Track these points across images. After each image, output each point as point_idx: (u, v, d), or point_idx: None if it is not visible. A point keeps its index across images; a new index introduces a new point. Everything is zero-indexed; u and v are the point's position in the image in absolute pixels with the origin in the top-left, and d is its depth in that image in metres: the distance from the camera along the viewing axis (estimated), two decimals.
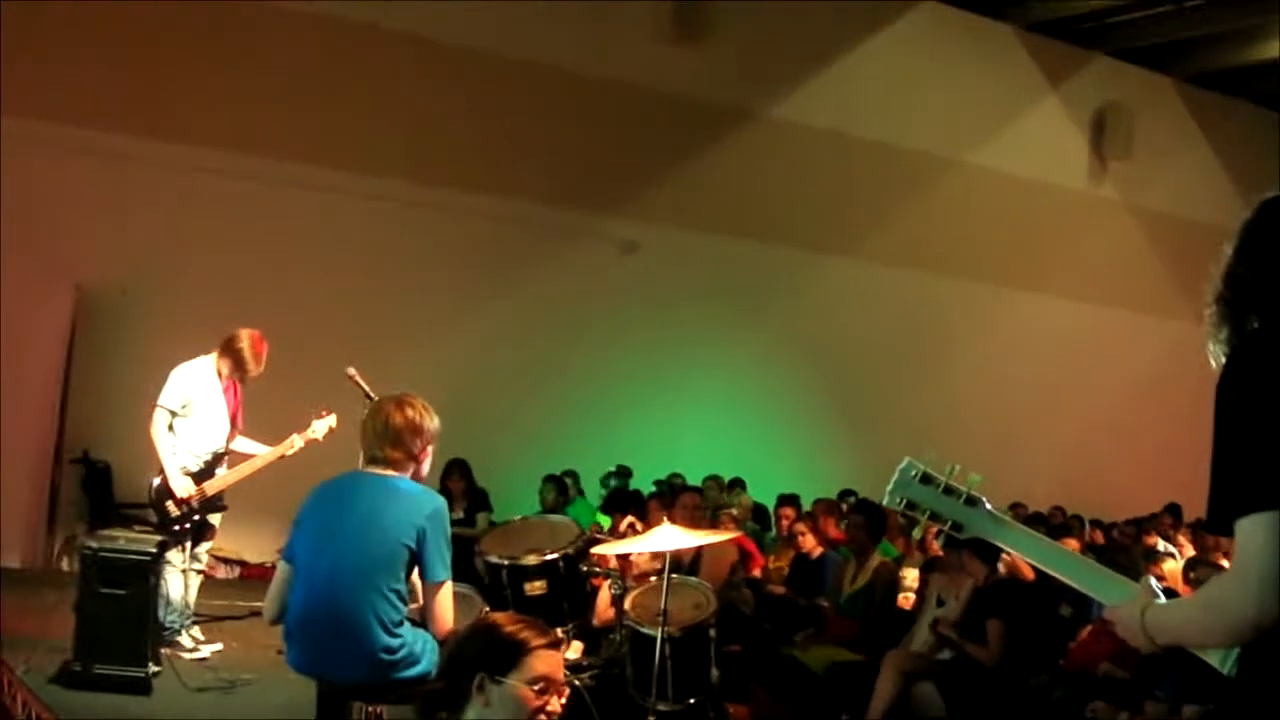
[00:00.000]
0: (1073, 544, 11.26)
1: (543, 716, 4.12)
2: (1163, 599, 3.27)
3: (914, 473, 3.68)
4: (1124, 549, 12.90)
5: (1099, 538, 14.82)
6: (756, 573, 12.77)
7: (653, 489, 15.76)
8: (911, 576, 11.27)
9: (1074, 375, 21.74)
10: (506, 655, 4.12)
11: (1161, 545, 13.39)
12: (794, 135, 19.29)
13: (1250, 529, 2.87)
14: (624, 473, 16.81)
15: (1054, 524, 13.91)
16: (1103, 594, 3.46)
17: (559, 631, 7.62)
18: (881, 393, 20.14)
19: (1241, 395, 2.99)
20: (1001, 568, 10.00)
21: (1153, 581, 3.33)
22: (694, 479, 16.44)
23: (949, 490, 3.65)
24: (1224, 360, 3.11)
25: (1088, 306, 21.50)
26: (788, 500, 15.10)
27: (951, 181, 20.89)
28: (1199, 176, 22.15)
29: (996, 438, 20.66)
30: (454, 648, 4.46)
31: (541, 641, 4.18)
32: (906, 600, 11.04)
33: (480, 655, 4.17)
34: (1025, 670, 9.21)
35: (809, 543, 12.59)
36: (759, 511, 16.29)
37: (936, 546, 11.31)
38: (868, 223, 20.53)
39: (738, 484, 17.97)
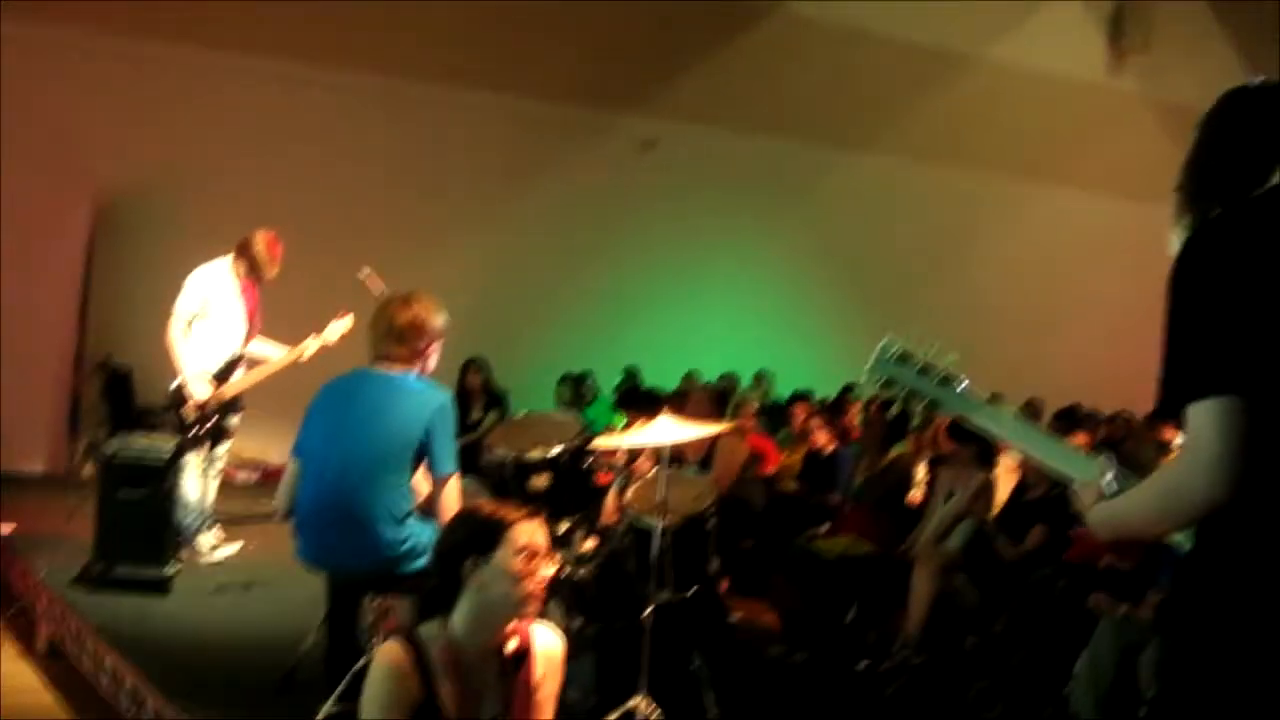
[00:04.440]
0: (1080, 438, 11.31)
1: (534, 582, 4.25)
2: (1113, 486, 3.35)
3: (892, 351, 3.74)
4: (1134, 440, 12.86)
5: (1115, 432, 14.77)
6: (770, 469, 12.82)
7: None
8: (921, 472, 11.33)
9: (1097, 269, 21.63)
10: (489, 535, 4.25)
11: (1179, 439, 13.28)
12: (813, 30, 19.12)
13: (1202, 413, 2.89)
14: (632, 374, 16.84)
15: (1065, 418, 13.83)
16: (1072, 471, 3.52)
17: (564, 524, 7.79)
18: (903, 289, 20.06)
19: (1195, 280, 3.02)
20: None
21: (1103, 477, 3.39)
22: (711, 377, 16.49)
23: (925, 369, 3.70)
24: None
25: (1109, 199, 21.34)
26: (800, 397, 15.10)
27: (971, 76, 20.71)
28: (1218, 68, 21.83)
29: (1021, 333, 20.71)
30: (440, 542, 4.59)
31: (519, 515, 4.32)
32: (917, 495, 11.10)
33: (465, 541, 4.32)
34: (1030, 563, 9.28)
35: (822, 439, 12.66)
36: (773, 409, 16.30)
37: (945, 442, 11.34)
38: (888, 118, 20.40)
39: (763, 378, 18.07)
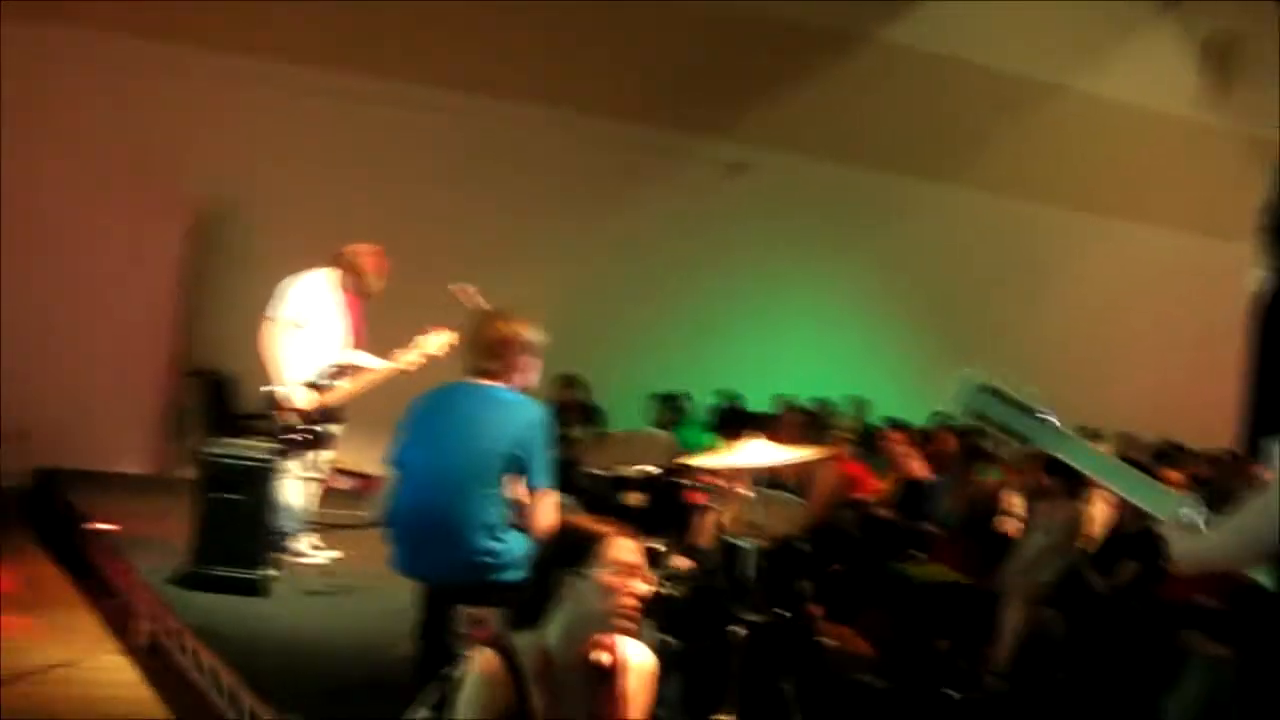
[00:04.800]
0: (1175, 475, 11.25)
1: (627, 598, 4.30)
2: (1198, 524, 3.37)
3: (978, 385, 3.76)
4: (1226, 477, 12.79)
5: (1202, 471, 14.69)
6: (865, 495, 12.81)
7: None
8: (1016, 503, 11.28)
9: (1177, 305, 21.52)
10: (584, 549, 4.31)
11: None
12: (900, 59, 19.13)
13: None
14: (732, 396, 16.88)
15: (1160, 454, 13.81)
16: (1157, 507, 3.54)
17: (656, 542, 7.83)
18: (983, 320, 19.99)
19: (1276, 320, 3.06)
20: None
21: (1183, 510, 3.41)
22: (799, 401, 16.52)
23: (1017, 405, 3.73)
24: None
25: (1191, 236, 21.20)
26: (895, 424, 15.08)
27: (1058, 108, 20.62)
28: None
29: (1098, 367, 20.58)
30: (537, 555, 4.69)
31: (614, 530, 4.38)
32: (1009, 525, 11.05)
33: (561, 554, 4.39)
34: (1122, 598, 9.26)
35: (916, 466, 12.65)
36: (866, 436, 16.27)
37: (1039, 475, 11.30)
38: (975, 149, 20.36)
39: (860, 404, 18.09)
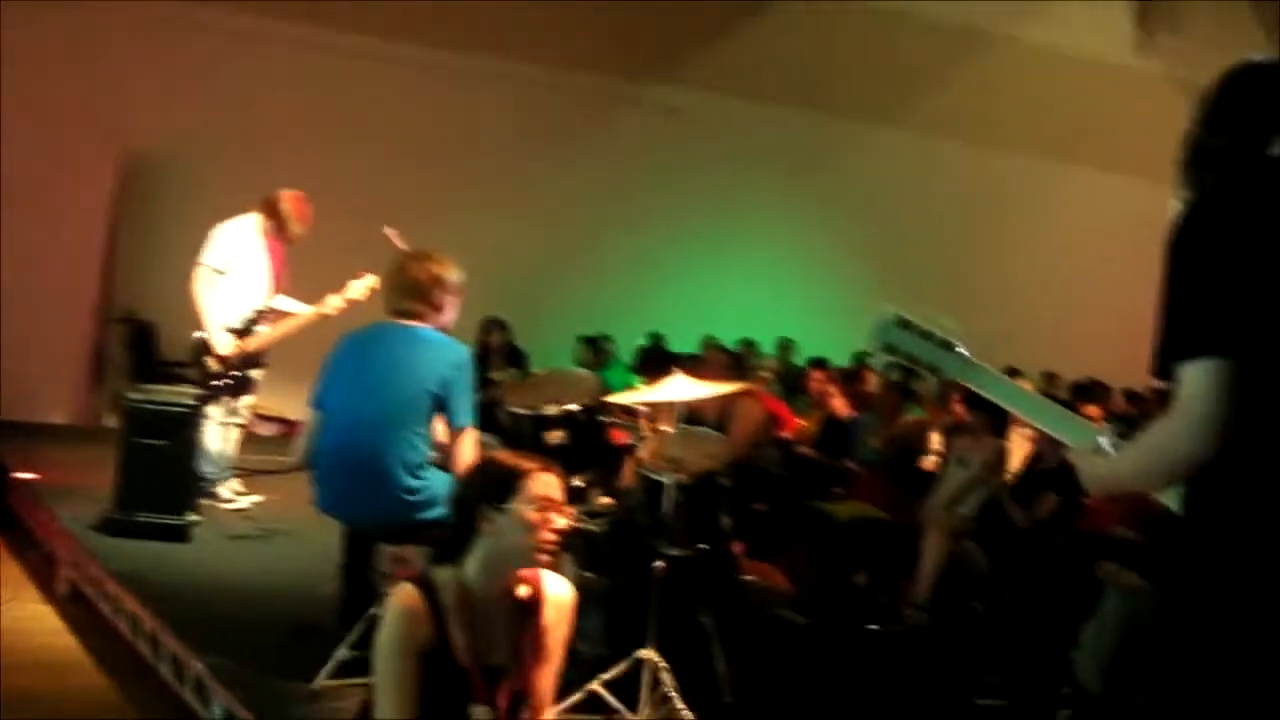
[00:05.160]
0: (1093, 410, 11.39)
1: (548, 532, 4.34)
2: (1110, 452, 3.43)
3: (893, 318, 3.80)
4: (1147, 413, 12.92)
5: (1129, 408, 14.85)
6: (787, 434, 12.88)
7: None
8: (936, 440, 11.38)
9: (1119, 249, 21.65)
10: (505, 484, 4.34)
11: None
12: (841, 5, 19.20)
13: (1191, 374, 2.97)
14: (656, 338, 16.95)
15: (1081, 390, 13.94)
16: (1067, 436, 3.60)
17: (578, 479, 7.87)
18: (929, 264, 20.04)
19: (1190, 247, 3.11)
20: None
21: (1101, 438, 3.46)
22: (732, 344, 16.54)
23: (926, 334, 3.76)
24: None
25: (1132, 180, 21.33)
26: (818, 363, 15.13)
27: (997, 55, 20.64)
28: (1246, 49, 21.74)
29: (1044, 309, 20.77)
30: (457, 490, 4.72)
31: (536, 466, 4.41)
32: (930, 462, 11.15)
33: (482, 490, 4.41)
34: (1040, 531, 9.36)
35: (838, 405, 12.72)
36: (791, 375, 16.35)
37: (960, 410, 11.39)
38: (914, 95, 20.39)
39: (785, 345, 18.18)
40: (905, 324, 3.78)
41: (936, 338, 3.76)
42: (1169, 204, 3.34)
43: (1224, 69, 3.49)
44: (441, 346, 6.58)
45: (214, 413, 10.39)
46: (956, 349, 3.74)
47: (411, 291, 6.65)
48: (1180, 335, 3.05)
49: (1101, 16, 21.43)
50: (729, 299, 18.95)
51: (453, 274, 6.75)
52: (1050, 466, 9.55)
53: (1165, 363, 3.08)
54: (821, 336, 17.91)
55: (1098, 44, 21.16)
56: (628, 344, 16.89)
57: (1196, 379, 2.98)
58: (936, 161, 20.78)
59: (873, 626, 9.36)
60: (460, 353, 6.60)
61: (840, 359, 16.43)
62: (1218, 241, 3.06)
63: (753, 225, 19.61)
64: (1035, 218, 21.85)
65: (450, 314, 6.82)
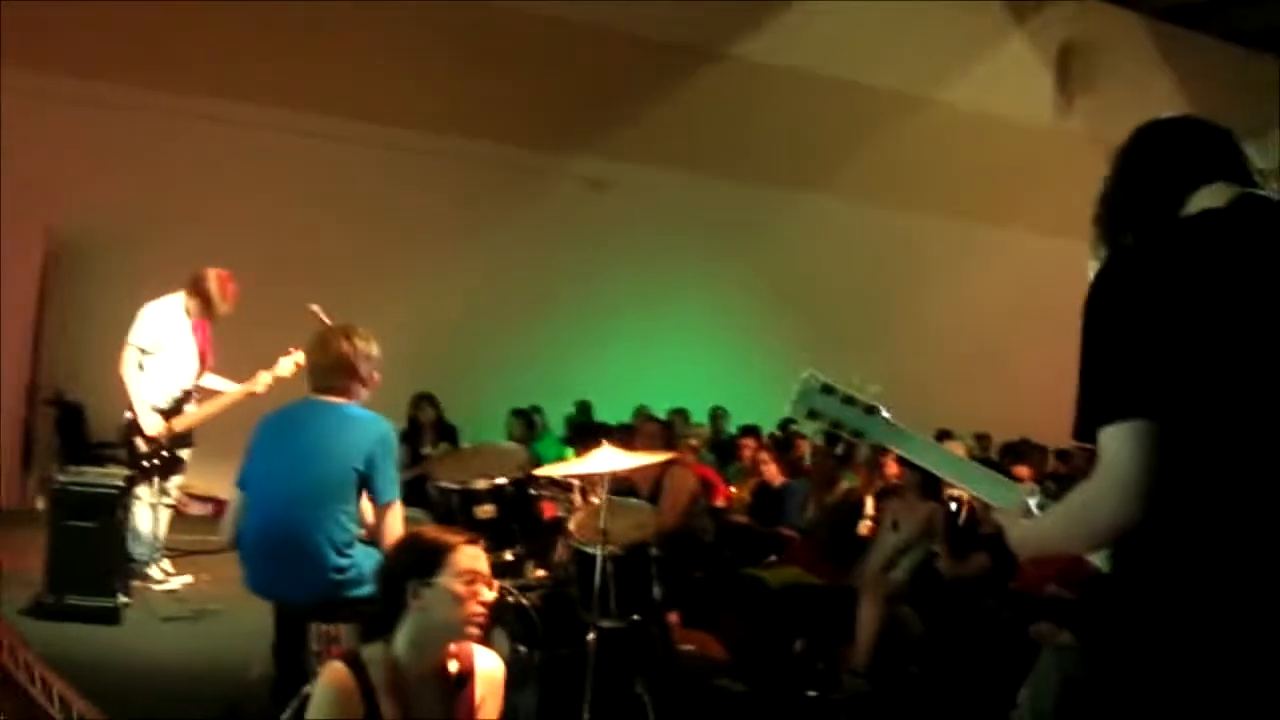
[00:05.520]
0: (1024, 470, 11.43)
1: (476, 605, 4.33)
2: (1037, 513, 3.43)
3: (816, 384, 3.81)
4: (1078, 475, 13.00)
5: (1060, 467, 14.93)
6: (719, 502, 12.90)
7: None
8: (869, 505, 11.40)
9: (1045, 309, 21.68)
10: (431, 558, 4.34)
11: None
12: (760, 74, 19.26)
13: (1113, 436, 2.97)
14: (584, 408, 17.00)
15: (1011, 451, 14.04)
16: (994, 498, 3.60)
17: (508, 553, 7.85)
18: (853, 328, 20.13)
19: (1108, 308, 3.11)
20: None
21: (1029, 499, 3.47)
22: (663, 414, 16.55)
23: (849, 400, 3.76)
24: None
25: (1057, 240, 21.38)
26: (749, 431, 15.20)
27: (922, 119, 20.87)
28: (1163, 108, 21.89)
29: (969, 371, 20.88)
30: (383, 566, 4.70)
31: (461, 540, 4.41)
32: (866, 527, 11.16)
33: (408, 565, 4.40)
34: (976, 592, 9.38)
35: (771, 472, 12.76)
36: (724, 444, 16.41)
37: (892, 473, 11.42)
38: (837, 160, 20.57)
39: (718, 414, 18.23)
40: (828, 389, 3.79)
41: (860, 403, 3.76)
42: (1088, 265, 3.36)
43: (1134, 129, 3.52)
44: (365, 423, 6.54)
45: (144, 493, 10.36)
46: (880, 414, 3.75)
47: (333, 368, 6.62)
48: (1100, 397, 3.05)
49: (1022, 79, 21.71)
50: (660, 368, 18.97)
51: (373, 348, 6.73)
52: (984, 528, 9.58)
53: (1087, 425, 3.08)
54: (752, 403, 17.93)
55: (1019, 106, 21.43)
56: (560, 416, 16.91)
57: (1118, 442, 2.98)
58: (862, 226, 20.96)
59: (812, 693, 9.35)
60: (384, 428, 6.56)
61: (770, 425, 16.48)
62: (1134, 301, 3.06)
63: (680, 295, 19.65)
64: (962, 279, 22.05)
65: (372, 387, 6.79)
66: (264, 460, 6.55)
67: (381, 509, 6.43)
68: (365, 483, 6.42)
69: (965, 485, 3.74)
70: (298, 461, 6.41)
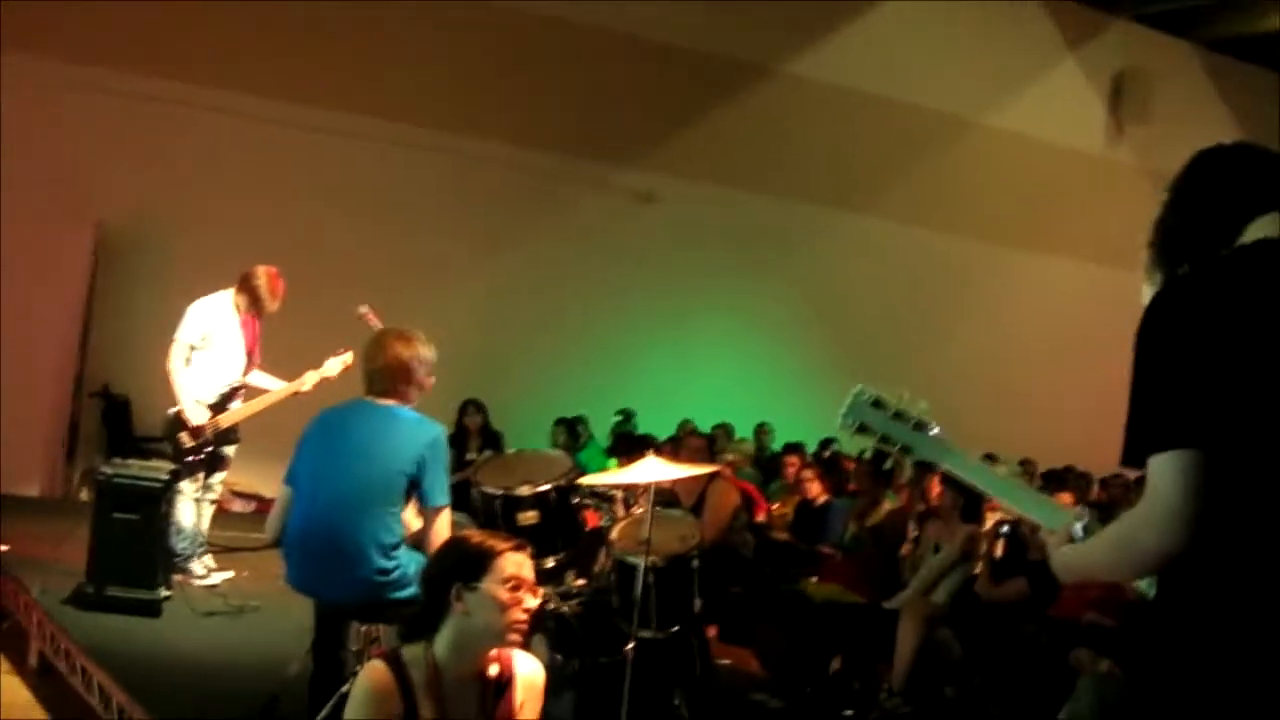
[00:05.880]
0: (1066, 497, 11.38)
1: (519, 612, 4.32)
2: (1080, 536, 3.42)
3: (866, 398, 3.79)
4: (1120, 503, 12.95)
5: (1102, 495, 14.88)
6: (760, 518, 12.89)
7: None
8: (913, 524, 11.37)
9: (1083, 337, 21.67)
10: (476, 563, 4.33)
11: None
12: (813, 92, 19.30)
13: (1161, 465, 2.94)
14: (627, 416, 17.00)
15: (1053, 478, 14.02)
16: (1042, 519, 3.59)
17: (550, 560, 7.85)
18: (892, 349, 20.04)
19: (1161, 335, 3.09)
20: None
21: (1075, 524, 3.45)
22: (704, 428, 16.52)
23: (899, 415, 3.75)
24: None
25: (1102, 269, 21.30)
26: (793, 448, 15.20)
27: (968, 142, 20.88)
28: (1216, 138, 21.72)
29: (1008, 397, 20.77)
30: (427, 568, 4.71)
31: (507, 545, 4.40)
32: (905, 549, 11.13)
33: (452, 568, 4.40)
34: (1015, 617, 9.34)
35: (814, 489, 12.74)
36: (769, 460, 16.39)
37: (935, 493, 11.39)
38: (884, 181, 20.55)
39: (763, 430, 18.20)
40: (879, 403, 3.77)
41: (910, 418, 3.74)
42: (1140, 291, 3.34)
43: (1193, 155, 3.50)
44: (416, 426, 6.55)
45: (187, 488, 10.40)
46: (930, 430, 3.73)
47: (387, 371, 6.63)
48: (1150, 425, 3.03)
49: (1073, 106, 21.64)
50: (702, 382, 18.97)
51: (428, 352, 6.74)
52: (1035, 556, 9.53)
53: (1135, 452, 3.06)
54: (793, 419, 17.91)
55: (1069, 132, 21.36)
56: (603, 427, 16.91)
57: (1166, 470, 2.96)
58: (907, 246, 20.88)
59: (848, 712, 9.33)
60: (435, 432, 6.57)
61: (811, 442, 16.45)
62: (1187, 330, 3.04)
63: (723, 309, 19.69)
64: (1001, 304, 22.00)
65: (425, 390, 6.81)
66: (313, 459, 6.57)
67: (431, 513, 6.44)
68: (415, 486, 6.44)
69: (1013, 505, 3.72)
70: (346, 462, 6.43)
